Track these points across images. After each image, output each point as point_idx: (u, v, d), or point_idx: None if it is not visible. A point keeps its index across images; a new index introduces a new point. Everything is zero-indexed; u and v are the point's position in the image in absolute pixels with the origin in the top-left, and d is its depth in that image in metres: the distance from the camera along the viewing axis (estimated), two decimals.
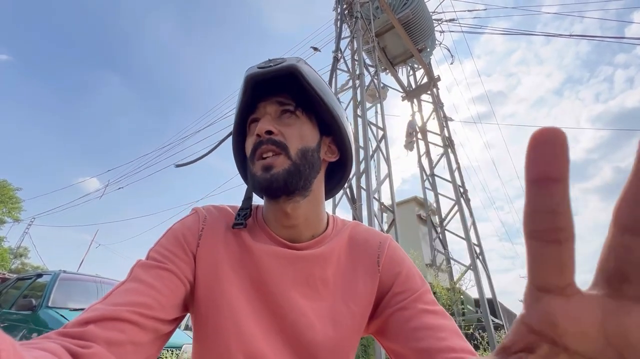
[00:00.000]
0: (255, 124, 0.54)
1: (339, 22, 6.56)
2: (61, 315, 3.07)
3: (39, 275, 4.13)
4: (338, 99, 0.63)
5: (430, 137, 8.66)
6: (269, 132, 0.51)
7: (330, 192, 0.63)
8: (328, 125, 0.56)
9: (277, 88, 0.53)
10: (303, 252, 0.52)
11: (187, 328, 6.15)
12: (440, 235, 7.69)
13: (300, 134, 0.52)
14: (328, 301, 0.52)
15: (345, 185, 0.64)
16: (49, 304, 3.49)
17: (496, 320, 6.55)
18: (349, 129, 0.58)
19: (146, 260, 0.47)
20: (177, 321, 0.47)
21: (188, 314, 0.52)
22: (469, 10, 9.76)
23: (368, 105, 5.91)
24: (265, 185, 0.49)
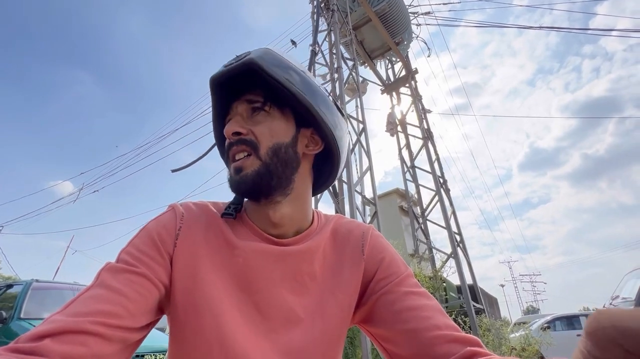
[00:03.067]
0: None
1: (315, 15, 6.51)
2: (35, 326, 2.94)
3: (9, 286, 3.93)
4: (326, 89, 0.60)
5: (410, 130, 8.79)
6: (237, 134, 0.50)
7: (323, 186, 0.61)
8: (304, 115, 0.52)
9: (248, 85, 0.51)
10: (290, 248, 0.51)
11: None
12: (422, 225, 7.86)
13: (271, 131, 0.50)
14: (316, 295, 0.51)
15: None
16: (21, 316, 3.32)
17: (477, 305, 6.79)
18: (333, 116, 0.54)
19: (116, 263, 0.44)
20: (149, 327, 0.44)
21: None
22: (444, 4, 9.91)
23: (347, 98, 5.92)
24: (235, 187, 0.50)
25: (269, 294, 0.48)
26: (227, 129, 0.50)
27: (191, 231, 0.50)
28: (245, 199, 0.56)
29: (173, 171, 0.67)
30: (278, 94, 0.50)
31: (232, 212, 0.52)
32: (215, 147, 0.60)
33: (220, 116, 0.55)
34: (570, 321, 8.23)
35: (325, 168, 0.58)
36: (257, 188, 0.49)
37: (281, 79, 0.48)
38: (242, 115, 0.52)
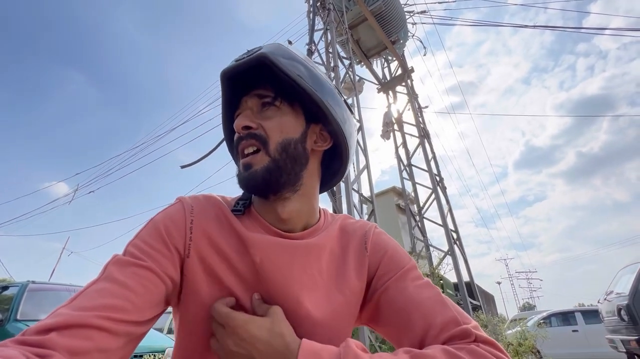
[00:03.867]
0: None
1: (311, 14, 6.50)
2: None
3: (5, 287, 3.90)
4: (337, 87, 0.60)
5: (406, 128, 8.81)
6: (247, 128, 0.49)
7: (331, 181, 0.61)
8: (314, 111, 0.52)
9: (259, 79, 0.51)
10: (299, 242, 0.51)
11: (170, 331, 6.00)
12: (419, 223, 7.89)
13: (281, 126, 0.50)
14: (324, 289, 0.51)
15: None
16: (18, 317, 3.30)
17: (474, 301, 6.84)
18: (342, 111, 0.54)
19: (123, 256, 0.44)
20: (153, 320, 0.44)
21: (170, 318, 0.50)
22: (439, 2, 9.93)
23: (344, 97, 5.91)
24: (244, 183, 0.49)
25: (279, 286, 0.49)
26: (237, 123, 0.50)
27: (203, 223, 0.50)
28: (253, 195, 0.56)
29: (182, 167, 0.66)
30: (289, 89, 0.50)
31: (241, 208, 0.52)
32: (224, 143, 0.60)
33: (230, 111, 0.54)
34: (566, 317, 8.30)
35: (333, 165, 0.58)
36: (266, 185, 0.49)
37: (292, 75, 0.48)
38: (252, 109, 0.51)
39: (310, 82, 0.50)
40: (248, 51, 0.50)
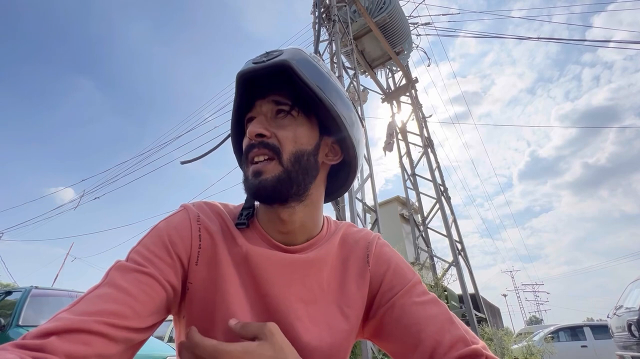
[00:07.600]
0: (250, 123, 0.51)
1: (316, 26, 6.60)
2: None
3: (8, 292, 3.91)
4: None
5: (410, 138, 8.83)
6: (260, 135, 0.48)
7: (334, 194, 0.60)
8: (329, 125, 0.51)
9: (276, 83, 0.50)
10: (299, 256, 0.51)
11: (171, 340, 5.95)
12: (422, 233, 7.83)
13: (295, 137, 0.49)
14: (323, 304, 0.51)
15: None
16: (20, 323, 3.30)
17: (479, 314, 6.72)
18: (355, 127, 0.53)
19: (126, 262, 0.44)
20: (153, 328, 0.44)
21: (171, 326, 0.49)
22: (443, 14, 10.05)
23: None
24: (253, 191, 0.48)
25: (276, 300, 0.48)
26: (251, 130, 0.48)
27: (211, 232, 0.50)
28: (257, 203, 0.55)
29: (182, 162, 0.64)
30: (306, 99, 0.49)
31: (245, 221, 0.52)
32: (225, 143, 0.59)
33: (240, 111, 0.53)
34: (574, 332, 8.11)
35: (340, 176, 0.57)
36: (275, 194, 0.48)
37: (313, 86, 0.47)
38: (266, 115, 0.50)
39: (329, 95, 0.49)
40: (267, 53, 0.49)
